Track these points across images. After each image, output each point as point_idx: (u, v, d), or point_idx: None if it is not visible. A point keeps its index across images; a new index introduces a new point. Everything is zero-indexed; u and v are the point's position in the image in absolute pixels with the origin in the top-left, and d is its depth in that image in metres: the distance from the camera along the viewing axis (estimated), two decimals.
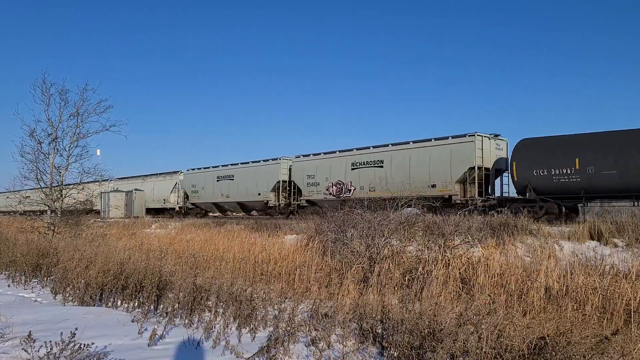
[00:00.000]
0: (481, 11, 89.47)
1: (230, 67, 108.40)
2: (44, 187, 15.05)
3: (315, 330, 4.85)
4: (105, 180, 36.19)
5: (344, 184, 21.74)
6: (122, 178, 38.11)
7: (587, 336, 4.04)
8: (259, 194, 26.21)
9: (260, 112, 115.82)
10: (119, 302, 6.48)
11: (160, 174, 34.50)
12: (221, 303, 5.75)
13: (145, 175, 35.76)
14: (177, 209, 32.29)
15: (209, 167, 30.66)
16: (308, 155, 24.47)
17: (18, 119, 15.85)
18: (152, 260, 7.45)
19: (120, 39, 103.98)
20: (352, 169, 21.50)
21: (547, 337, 4.04)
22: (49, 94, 14.35)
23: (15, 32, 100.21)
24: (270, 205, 25.59)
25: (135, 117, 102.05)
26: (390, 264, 7.41)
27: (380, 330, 4.78)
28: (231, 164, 29.06)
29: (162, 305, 6.09)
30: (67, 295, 6.84)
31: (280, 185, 25.37)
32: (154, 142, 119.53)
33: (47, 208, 15.05)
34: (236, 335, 4.91)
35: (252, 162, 27.42)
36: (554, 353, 3.75)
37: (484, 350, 3.82)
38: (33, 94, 14.50)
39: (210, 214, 31.36)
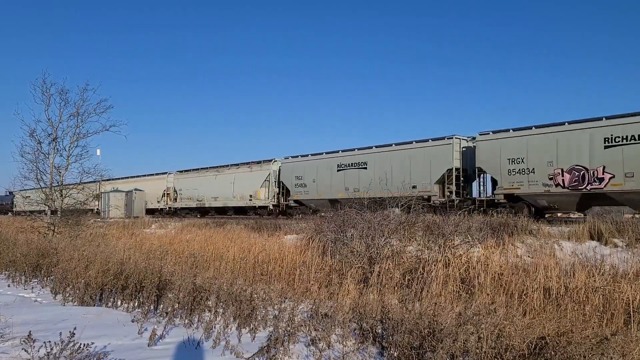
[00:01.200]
0: (481, 11, 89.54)
1: (230, 67, 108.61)
2: (44, 187, 15.05)
3: (315, 330, 4.85)
4: (165, 173, 34.03)
5: (587, 170, 15.09)
6: (184, 171, 32.97)
7: (587, 336, 4.04)
8: (414, 187, 18.86)
9: (260, 112, 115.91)
10: (119, 302, 6.47)
11: (244, 164, 28.06)
12: (221, 303, 5.74)
13: (220, 167, 29.72)
14: (271, 207, 25.46)
15: (321, 153, 23.78)
16: (506, 131, 17.29)
17: (18, 119, 15.74)
18: (152, 260, 7.45)
19: (120, 39, 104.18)
20: (606, 148, 14.65)
21: (547, 337, 4.04)
22: (49, 94, 14.37)
23: (15, 32, 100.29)
24: (435, 202, 18.75)
25: (135, 117, 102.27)
26: (390, 264, 7.40)
27: (380, 330, 4.78)
28: (358, 148, 22.16)
29: (162, 305, 6.08)
30: (67, 295, 6.84)
31: (453, 173, 18.53)
32: (154, 142, 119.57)
33: (46, 208, 15.05)
34: (236, 335, 4.90)
35: (396, 144, 20.59)
36: (554, 353, 3.75)
37: (483, 350, 3.82)
38: (33, 94, 14.50)
39: (322, 214, 25.37)
